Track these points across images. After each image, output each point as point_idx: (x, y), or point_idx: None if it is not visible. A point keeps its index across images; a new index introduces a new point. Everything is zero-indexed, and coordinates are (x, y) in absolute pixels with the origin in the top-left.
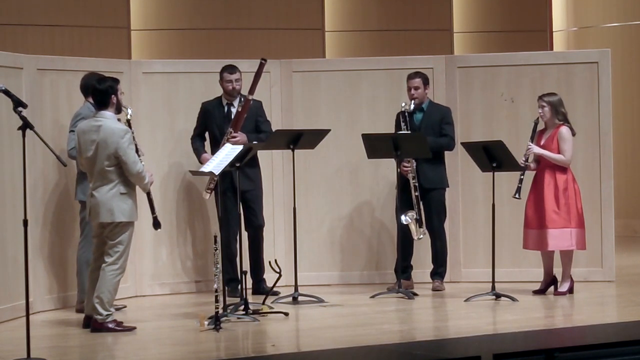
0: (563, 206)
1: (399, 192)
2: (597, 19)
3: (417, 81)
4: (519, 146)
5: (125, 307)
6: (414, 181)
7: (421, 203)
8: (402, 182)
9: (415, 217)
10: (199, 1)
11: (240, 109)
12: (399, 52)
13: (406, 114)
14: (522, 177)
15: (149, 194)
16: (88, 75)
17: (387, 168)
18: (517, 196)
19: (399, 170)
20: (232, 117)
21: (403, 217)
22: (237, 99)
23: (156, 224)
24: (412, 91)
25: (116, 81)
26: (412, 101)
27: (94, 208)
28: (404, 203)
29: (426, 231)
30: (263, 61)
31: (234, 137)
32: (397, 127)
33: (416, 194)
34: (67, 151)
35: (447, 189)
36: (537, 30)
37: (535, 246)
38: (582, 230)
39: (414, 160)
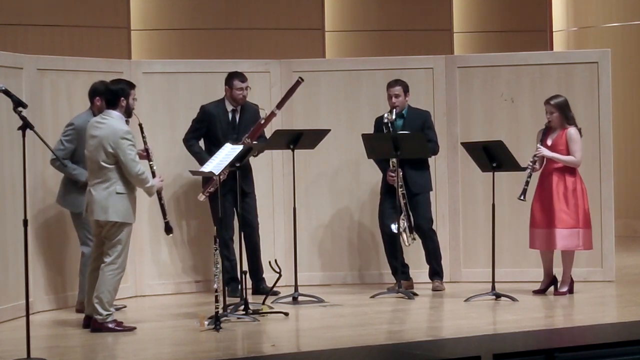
0: (572, 206)
1: (388, 198)
2: (597, 19)
3: (398, 89)
4: (519, 146)
5: (125, 307)
6: (401, 189)
7: (408, 208)
8: (388, 188)
9: (405, 224)
10: (199, 1)
11: (263, 122)
12: (399, 52)
13: (389, 124)
14: (528, 179)
15: (160, 199)
16: (101, 81)
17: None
18: (522, 198)
19: (385, 177)
20: (237, 123)
21: (393, 226)
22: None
23: (168, 229)
24: (393, 99)
25: (131, 86)
26: (394, 109)
27: (90, 205)
28: (392, 209)
29: (415, 236)
30: (300, 80)
31: None
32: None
33: (404, 201)
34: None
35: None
36: (537, 30)
37: (543, 246)
38: (589, 231)
39: (400, 169)
